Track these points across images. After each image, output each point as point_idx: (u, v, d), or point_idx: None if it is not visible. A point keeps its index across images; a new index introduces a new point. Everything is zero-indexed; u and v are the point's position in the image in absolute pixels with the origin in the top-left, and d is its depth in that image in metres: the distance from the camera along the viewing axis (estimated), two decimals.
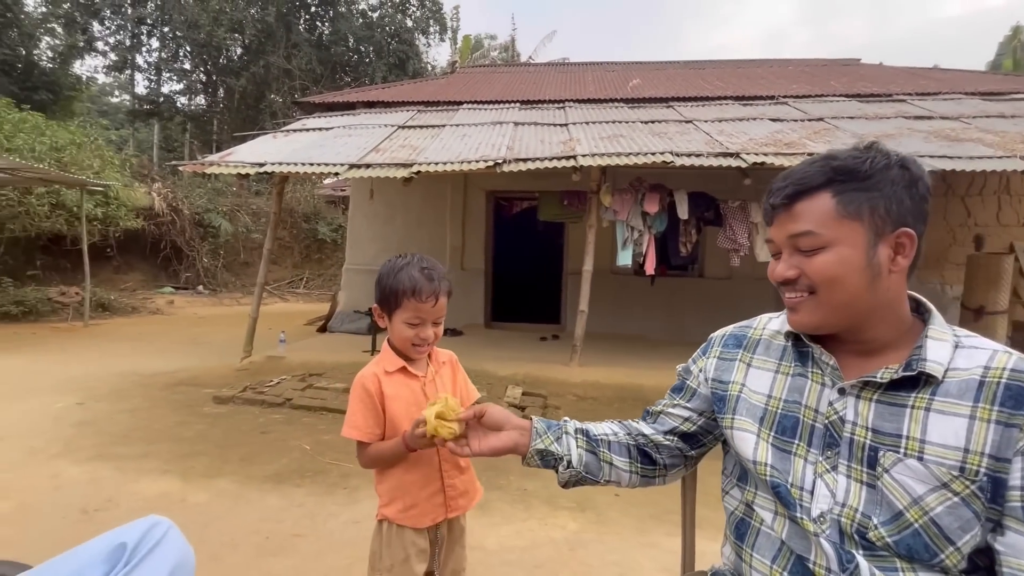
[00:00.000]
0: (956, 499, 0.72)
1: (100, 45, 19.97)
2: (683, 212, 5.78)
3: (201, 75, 21.19)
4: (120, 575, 0.82)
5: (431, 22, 21.84)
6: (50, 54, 18.16)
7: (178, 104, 21.66)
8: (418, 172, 5.23)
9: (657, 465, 1.07)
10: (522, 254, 9.64)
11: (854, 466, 0.80)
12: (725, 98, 7.93)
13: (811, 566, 0.81)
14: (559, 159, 5.26)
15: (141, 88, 22.39)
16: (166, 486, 3.05)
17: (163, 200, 12.85)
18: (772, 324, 1.00)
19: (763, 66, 10.74)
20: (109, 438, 3.75)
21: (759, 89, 8.32)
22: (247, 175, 5.65)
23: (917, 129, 5.97)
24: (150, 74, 21.75)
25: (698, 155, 5.20)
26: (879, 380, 0.79)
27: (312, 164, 5.54)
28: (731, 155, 5.17)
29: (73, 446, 3.58)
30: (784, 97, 7.79)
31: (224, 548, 2.42)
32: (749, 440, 0.91)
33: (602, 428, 1.08)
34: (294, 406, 4.50)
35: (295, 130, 7.10)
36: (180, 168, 6.78)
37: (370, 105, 8.34)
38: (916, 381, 0.78)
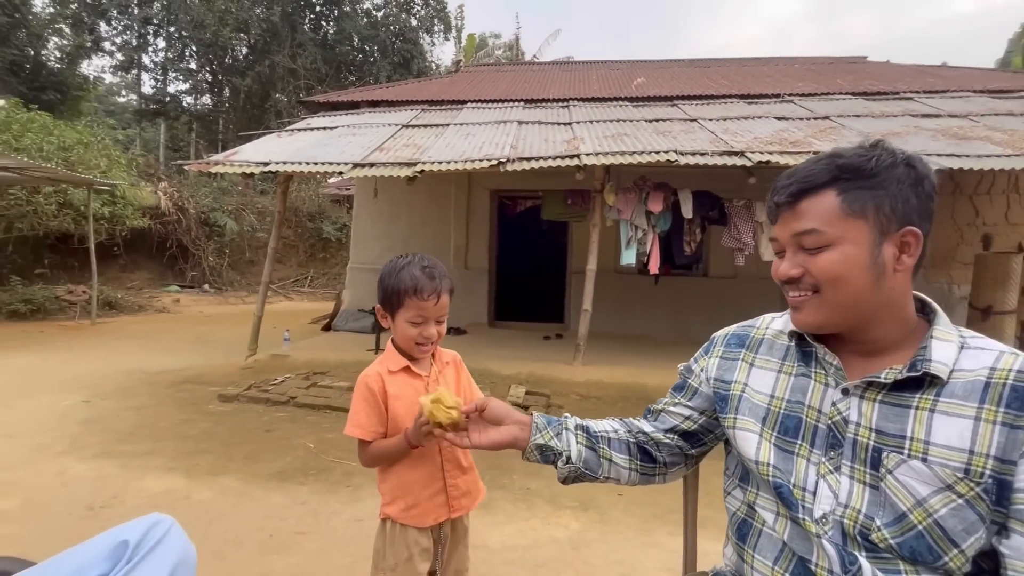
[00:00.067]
0: (961, 501, 0.71)
1: (107, 45, 20.08)
2: (687, 211, 5.77)
3: (207, 75, 21.27)
4: (122, 572, 0.83)
5: (435, 21, 21.82)
6: (58, 54, 18.33)
7: (184, 104, 21.74)
8: (422, 171, 5.23)
9: (657, 463, 1.06)
10: (526, 253, 9.63)
11: (857, 467, 0.79)
12: (730, 96, 7.89)
13: (813, 568, 0.80)
14: (563, 158, 5.25)
15: (147, 88, 22.59)
16: (171, 483, 3.07)
17: (169, 199, 12.93)
18: (775, 324, 0.99)
19: (768, 64, 10.67)
20: (115, 435, 3.78)
21: (764, 87, 8.27)
22: (252, 174, 5.66)
23: (924, 127, 5.92)
24: (156, 74, 21.89)
25: (703, 154, 5.18)
26: (883, 380, 0.78)
27: (316, 163, 5.55)
28: (736, 154, 5.14)
29: (79, 443, 3.61)
30: (789, 95, 7.74)
31: (228, 545, 2.44)
32: (751, 440, 0.90)
33: (602, 425, 1.08)
34: (298, 404, 4.53)
35: (300, 129, 7.12)
36: (186, 167, 6.81)
37: (374, 104, 8.34)
38: (921, 382, 0.77)
